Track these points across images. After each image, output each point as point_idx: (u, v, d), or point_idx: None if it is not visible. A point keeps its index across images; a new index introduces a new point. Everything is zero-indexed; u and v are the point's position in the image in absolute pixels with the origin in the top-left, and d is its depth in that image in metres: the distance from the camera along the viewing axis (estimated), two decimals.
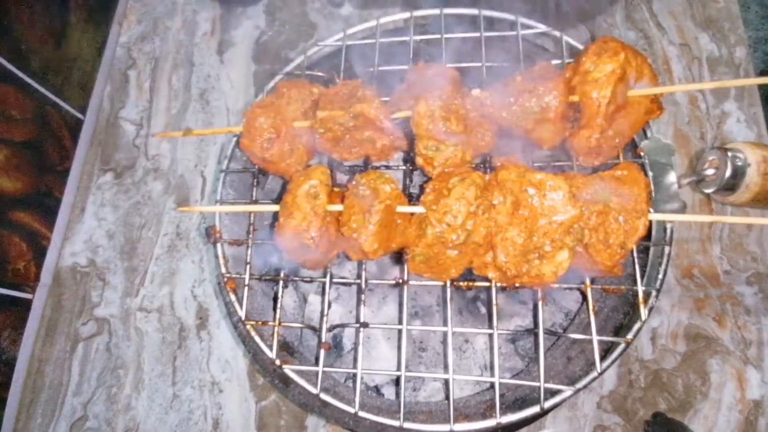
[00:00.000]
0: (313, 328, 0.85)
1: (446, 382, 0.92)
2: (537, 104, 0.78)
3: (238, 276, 0.84)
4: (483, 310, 0.99)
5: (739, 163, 0.77)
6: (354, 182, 0.87)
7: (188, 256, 1.16)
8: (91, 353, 1.09)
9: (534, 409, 0.76)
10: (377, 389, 0.99)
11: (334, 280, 0.83)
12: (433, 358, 0.98)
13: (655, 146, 0.86)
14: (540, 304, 0.76)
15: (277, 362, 0.80)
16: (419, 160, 0.83)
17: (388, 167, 0.95)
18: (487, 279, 0.75)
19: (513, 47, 0.96)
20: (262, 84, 1.23)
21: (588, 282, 0.76)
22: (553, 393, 0.77)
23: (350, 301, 1.02)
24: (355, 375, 0.79)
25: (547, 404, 0.75)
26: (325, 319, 0.80)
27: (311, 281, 0.98)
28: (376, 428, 0.83)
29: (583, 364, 0.84)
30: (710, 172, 0.80)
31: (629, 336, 0.75)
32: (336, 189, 0.89)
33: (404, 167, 0.93)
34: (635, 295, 0.75)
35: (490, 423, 0.77)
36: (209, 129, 1.24)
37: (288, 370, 0.81)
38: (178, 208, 1.19)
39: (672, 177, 0.82)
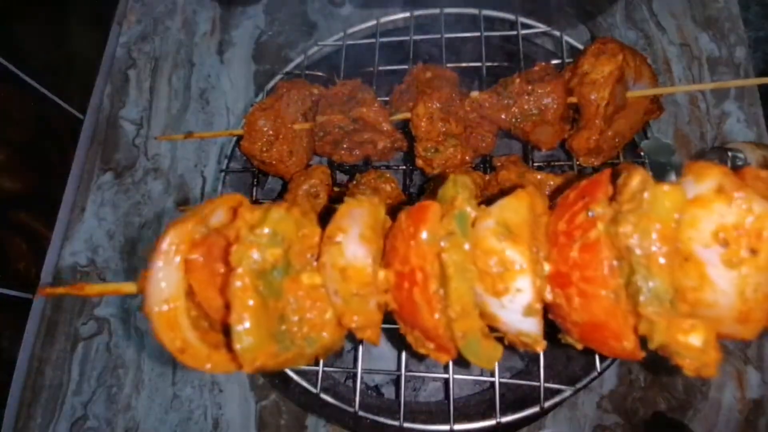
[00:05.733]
0: None
1: (446, 382, 0.92)
2: (535, 106, 0.78)
3: None
4: None
5: (739, 163, 0.77)
6: (354, 182, 0.87)
7: None
8: (91, 353, 1.09)
9: (534, 409, 0.76)
10: (377, 389, 0.99)
11: None
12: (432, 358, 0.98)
13: (656, 146, 0.86)
14: None
15: None
16: (419, 162, 0.83)
17: (388, 167, 0.95)
18: None
19: (513, 47, 0.96)
20: (262, 84, 1.23)
21: None
22: (553, 393, 0.77)
23: None
24: (355, 375, 0.79)
25: (547, 404, 0.75)
26: None
27: None
28: (376, 428, 0.84)
29: (583, 364, 0.84)
30: None
31: None
32: (336, 189, 0.89)
33: (404, 167, 0.93)
34: None
35: (490, 423, 0.77)
36: (209, 129, 1.24)
37: (288, 369, 0.81)
38: (178, 207, 1.19)
39: (672, 177, 0.82)
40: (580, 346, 0.48)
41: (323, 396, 0.79)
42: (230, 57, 1.33)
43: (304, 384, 0.81)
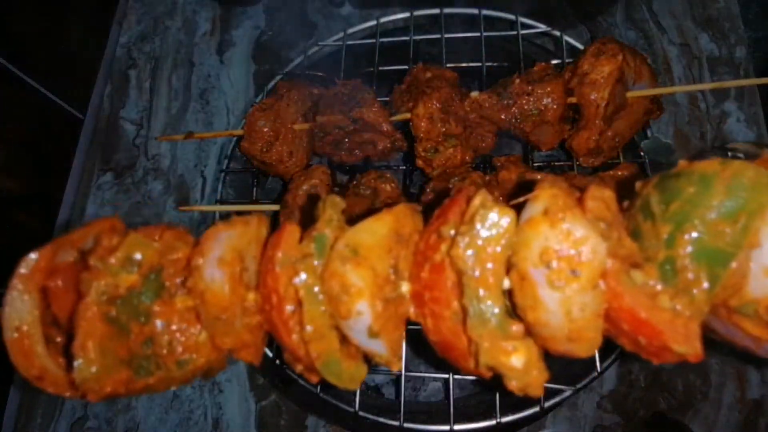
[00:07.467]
0: None
1: (446, 382, 0.92)
2: (535, 106, 0.78)
3: None
4: None
5: None
6: (354, 182, 0.87)
7: None
8: None
9: (534, 409, 0.76)
10: (377, 389, 0.99)
11: None
12: (432, 358, 0.98)
13: (655, 146, 0.86)
14: None
15: (277, 362, 0.80)
16: (419, 162, 0.83)
17: (388, 167, 0.95)
18: None
19: (513, 47, 0.96)
20: (262, 84, 1.23)
21: None
22: (553, 393, 0.77)
23: None
24: None
25: (547, 404, 0.75)
26: None
27: None
28: (376, 428, 0.84)
29: (583, 364, 0.84)
30: None
31: None
32: (336, 189, 0.89)
33: (404, 167, 0.93)
34: None
35: (490, 423, 0.77)
36: (209, 129, 1.24)
37: (288, 369, 0.81)
38: (178, 207, 1.19)
39: None
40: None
41: (323, 396, 0.79)
42: (230, 57, 1.33)
43: (305, 384, 0.81)
